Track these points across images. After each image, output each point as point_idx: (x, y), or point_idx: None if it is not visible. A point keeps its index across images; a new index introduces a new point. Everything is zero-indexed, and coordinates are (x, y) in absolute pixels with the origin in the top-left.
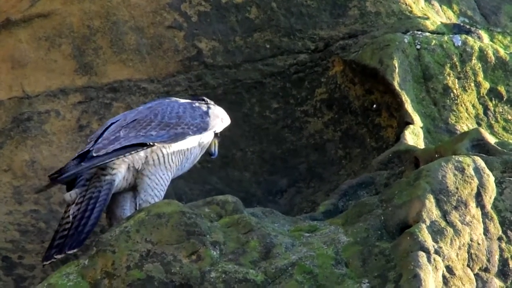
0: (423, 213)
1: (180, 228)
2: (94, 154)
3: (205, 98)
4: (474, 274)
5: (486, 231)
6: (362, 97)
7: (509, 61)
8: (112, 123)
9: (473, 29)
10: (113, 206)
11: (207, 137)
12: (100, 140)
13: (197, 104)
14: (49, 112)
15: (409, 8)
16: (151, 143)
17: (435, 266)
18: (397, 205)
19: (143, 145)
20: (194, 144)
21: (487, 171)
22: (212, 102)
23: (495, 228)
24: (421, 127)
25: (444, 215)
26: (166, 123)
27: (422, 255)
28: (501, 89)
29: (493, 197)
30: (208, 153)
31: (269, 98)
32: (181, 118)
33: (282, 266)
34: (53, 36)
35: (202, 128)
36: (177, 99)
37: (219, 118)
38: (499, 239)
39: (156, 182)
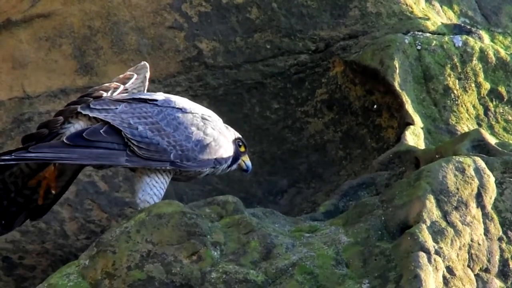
0: (423, 213)
1: (180, 229)
2: (79, 109)
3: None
4: (475, 275)
5: (486, 231)
6: (362, 98)
7: (509, 62)
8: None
9: (473, 29)
10: None
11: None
12: (102, 99)
13: (210, 130)
14: (50, 113)
15: (409, 8)
16: (127, 135)
17: (436, 267)
18: (398, 205)
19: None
20: None
21: (488, 171)
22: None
23: (496, 229)
24: (422, 128)
25: (445, 215)
26: (159, 127)
27: (422, 256)
28: (502, 89)
29: (493, 198)
30: (241, 170)
31: (269, 99)
32: (178, 131)
33: (282, 267)
34: (53, 36)
35: (185, 156)
36: (207, 111)
37: (213, 158)
38: (500, 239)
39: (156, 181)
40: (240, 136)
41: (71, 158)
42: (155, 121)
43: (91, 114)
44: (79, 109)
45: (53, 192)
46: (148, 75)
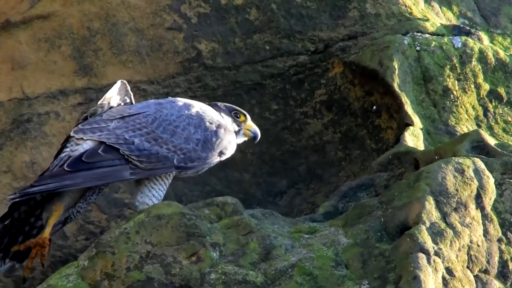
0: (423, 214)
1: (180, 230)
2: (71, 134)
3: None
4: (474, 276)
5: (485, 232)
6: (361, 99)
7: (509, 63)
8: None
9: (473, 30)
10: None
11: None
12: (89, 121)
13: (207, 124)
14: (49, 114)
15: (409, 9)
16: (125, 152)
17: (435, 268)
18: (397, 206)
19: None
20: None
21: (487, 172)
22: (227, 128)
23: (495, 230)
24: (421, 129)
25: (444, 216)
26: (155, 136)
27: (422, 257)
28: (501, 90)
29: (493, 199)
30: (249, 139)
31: (268, 100)
32: (175, 135)
33: (282, 268)
34: (52, 37)
35: (188, 158)
36: (201, 106)
37: (216, 152)
38: (499, 240)
39: (155, 182)
40: (235, 107)
41: (76, 183)
42: (150, 130)
43: (85, 137)
44: (71, 134)
45: (42, 263)
46: (129, 87)
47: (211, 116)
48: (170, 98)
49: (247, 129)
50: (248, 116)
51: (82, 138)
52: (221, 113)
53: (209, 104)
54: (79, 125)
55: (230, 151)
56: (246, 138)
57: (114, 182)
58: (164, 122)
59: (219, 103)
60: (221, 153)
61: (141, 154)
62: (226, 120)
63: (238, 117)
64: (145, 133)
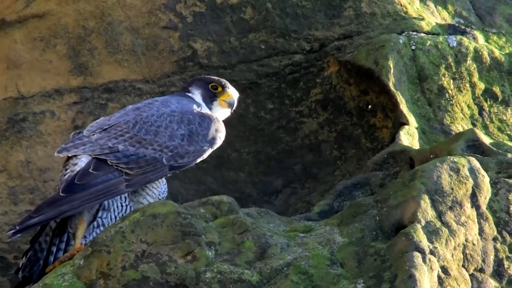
0: (418, 213)
1: (175, 229)
2: (55, 154)
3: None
4: (469, 275)
5: (481, 231)
6: (357, 98)
7: (504, 62)
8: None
9: (468, 29)
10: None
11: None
12: (71, 139)
13: (190, 117)
14: (44, 113)
15: (404, 9)
16: (112, 162)
17: (430, 267)
18: (392, 205)
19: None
20: None
21: (482, 171)
22: (214, 116)
23: (490, 229)
24: (416, 128)
25: (439, 215)
26: (139, 138)
27: (417, 256)
28: (496, 89)
29: (488, 198)
30: (227, 107)
31: (264, 99)
32: (158, 135)
33: (277, 267)
34: (48, 36)
35: (177, 155)
36: (178, 100)
37: (205, 144)
38: (494, 239)
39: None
40: (213, 78)
41: (73, 207)
42: (133, 134)
43: (70, 154)
44: (55, 153)
45: None
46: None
47: (192, 109)
48: (146, 100)
49: (223, 100)
50: (226, 86)
51: (73, 157)
52: (193, 91)
53: (181, 90)
54: (62, 144)
55: (219, 140)
56: (224, 109)
57: (111, 198)
58: (146, 124)
59: (193, 82)
60: (211, 143)
61: (129, 160)
62: (197, 98)
63: (215, 89)
64: (128, 138)
